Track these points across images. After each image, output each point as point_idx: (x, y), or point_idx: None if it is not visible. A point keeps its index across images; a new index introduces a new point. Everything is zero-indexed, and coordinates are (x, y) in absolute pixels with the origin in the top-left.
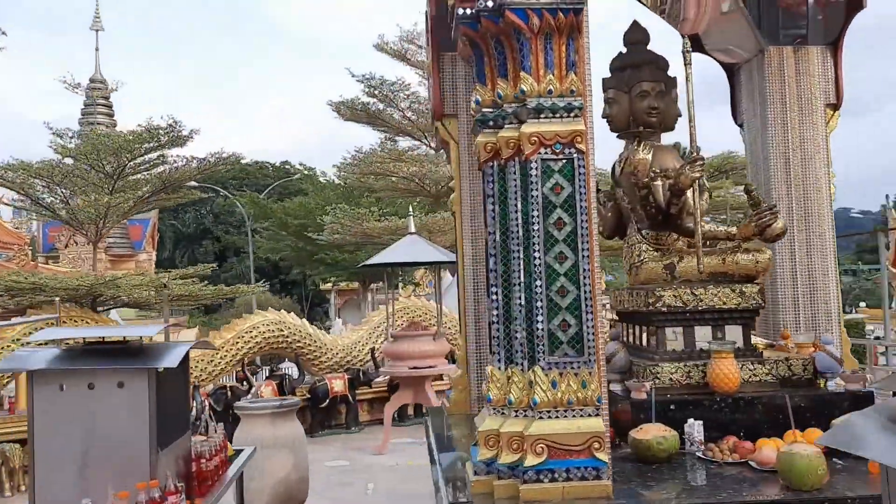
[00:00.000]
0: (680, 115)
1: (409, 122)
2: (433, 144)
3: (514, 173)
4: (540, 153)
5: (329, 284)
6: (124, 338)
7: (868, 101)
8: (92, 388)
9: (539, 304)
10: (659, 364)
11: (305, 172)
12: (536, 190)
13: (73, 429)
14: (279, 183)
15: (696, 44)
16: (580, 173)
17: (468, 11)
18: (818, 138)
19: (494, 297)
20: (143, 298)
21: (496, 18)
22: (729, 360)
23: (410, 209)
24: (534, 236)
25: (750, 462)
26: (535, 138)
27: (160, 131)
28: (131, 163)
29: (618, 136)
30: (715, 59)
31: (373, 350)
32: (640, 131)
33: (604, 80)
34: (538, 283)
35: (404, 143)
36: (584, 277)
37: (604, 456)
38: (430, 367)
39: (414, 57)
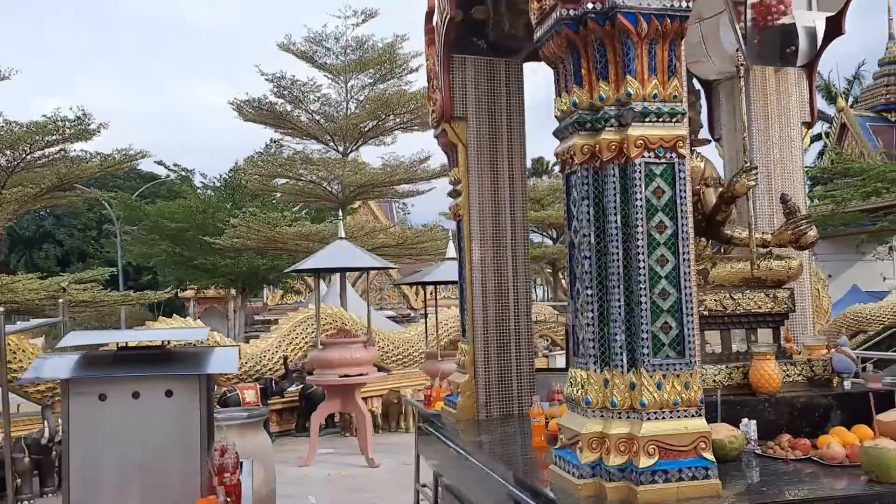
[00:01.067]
0: (702, 126)
1: (318, 124)
2: (341, 148)
3: (614, 176)
4: (644, 156)
5: (191, 292)
6: (163, 342)
7: None
8: (137, 398)
9: (643, 306)
10: (703, 366)
11: (183, 174)
12: (640, 193)
13: (115, 441)
14: (150, 184)
15: None
16: (681, 178)
17: (572, 13)
18: (796, 154)
19: (589, 299)
20: (38, 304)
21: (602, 21)
22: (771, 361)
23: (340, 214)
24: (638, 239)
25: (813, 458)
26: (642, 142)
27: (66, 123)
28: (29, 156)
29: None
30: (694, 74)
31: (285, 358)
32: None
33: None
34: (641, 285)
35: (312, 146)
36: (685, 280)
37: (710, 455)
38: (361, 374)
39: (322, 59)
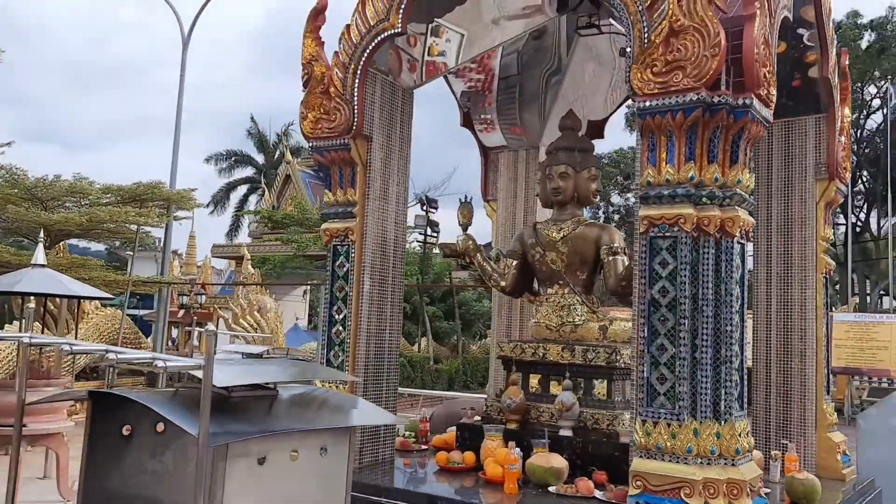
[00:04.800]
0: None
1: None
2: None
3: (709, 247)
4: (735, 236)
5: None
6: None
7: (90, 139)
8: (295, 459)
9: (731, 364)
10: (622, 412)
11: None
12: (735, 265)
13: None
14: None
15: None
16: (745, 257)
17: (709, 99)
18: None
19: (684, 356)
20: None
21: (729, 112)
22: None
23: None
24: (732, 305)
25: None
26: (742, 223)
27: None
28: None
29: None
30: (479, 141)
31: None
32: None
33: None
34: (731, 345)
35: None
36: (742, 342)
37: (762, 492)
38: None
39: None
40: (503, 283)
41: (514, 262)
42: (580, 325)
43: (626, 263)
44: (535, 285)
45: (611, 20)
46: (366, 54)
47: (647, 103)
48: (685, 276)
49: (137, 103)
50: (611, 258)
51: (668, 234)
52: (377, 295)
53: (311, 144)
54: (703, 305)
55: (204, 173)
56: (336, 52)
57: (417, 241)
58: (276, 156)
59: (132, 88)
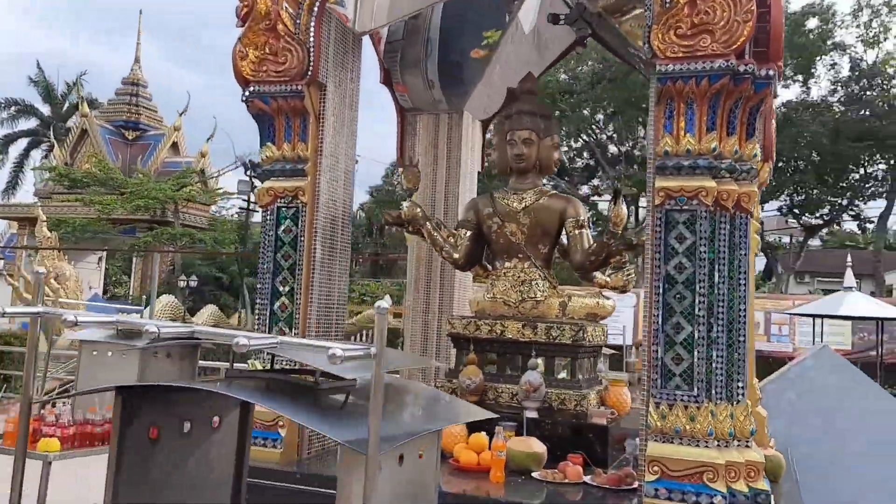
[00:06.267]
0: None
1: None
2: None
3: (726, 222)
4: (750, 212)
5: None
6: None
7: None
8: (401, 464)
9: (743, 344)
10: (588, 391)
11: None
12: (746, 240)
13: None
14: None
15: None
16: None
17: (738, 67)
18: (471, 188)
19: (702, 334)
20: None
21: (752, 83)
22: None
23: None
24: (741, 282)
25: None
26: (756, 199)
27: None
28: None
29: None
30: (396, 98)
31: None
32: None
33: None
34: (742, 326)
35: None
36: (748, 321)
37: None
38: None
39: None
40: (456, 256)
41: (468, 233)
42: (541, 302)
43: (591, 238)
44: (487, 258)
45: None
46: None
47: (670, 67)
48: (704, 251)
49: None
50: (577, 231)
51: (685, 207)
52: (327, 263)
53: (251, 88)
54: (718, 283)
55: None
56: None
57: (240, 208)
58: (66, 107)
59: None
